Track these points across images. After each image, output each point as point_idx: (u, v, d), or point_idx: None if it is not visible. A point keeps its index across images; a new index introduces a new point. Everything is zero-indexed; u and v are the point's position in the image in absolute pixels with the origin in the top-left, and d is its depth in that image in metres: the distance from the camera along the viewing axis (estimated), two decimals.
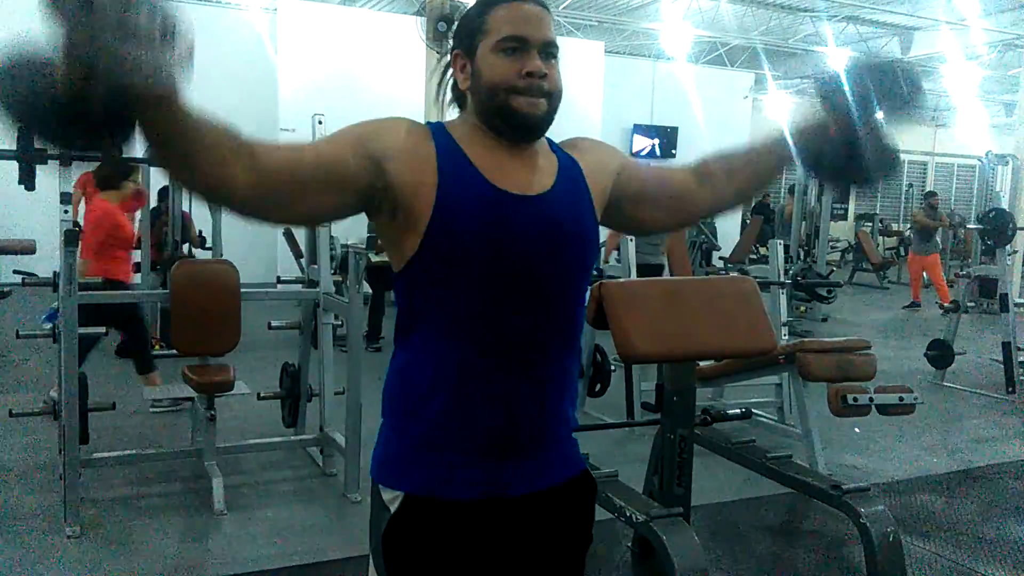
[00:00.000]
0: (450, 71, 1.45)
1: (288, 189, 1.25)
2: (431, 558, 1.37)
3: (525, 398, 1.38)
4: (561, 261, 1.39)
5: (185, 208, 6.63)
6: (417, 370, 1.39)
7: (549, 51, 1.36)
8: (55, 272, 3.52)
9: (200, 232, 6.88)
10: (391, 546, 1.38)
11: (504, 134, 1.38)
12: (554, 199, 1.39)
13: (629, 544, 3.33)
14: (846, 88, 1.49)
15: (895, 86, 1.49)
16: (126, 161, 4.97)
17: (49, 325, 3.98)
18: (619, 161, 1.55)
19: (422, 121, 1.42)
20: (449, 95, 1.47)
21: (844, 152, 1.50)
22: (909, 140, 18.91)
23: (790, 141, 1.54)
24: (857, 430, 5.09)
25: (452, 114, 1.48)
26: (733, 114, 14.91)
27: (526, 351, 1.37)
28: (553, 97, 1.37)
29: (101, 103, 0.98)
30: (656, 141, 14.35)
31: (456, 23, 1.44)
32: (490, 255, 1.32)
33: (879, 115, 1.49)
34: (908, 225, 14.51)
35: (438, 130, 1.39)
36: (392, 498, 1.38)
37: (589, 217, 1.45)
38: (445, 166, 1.33)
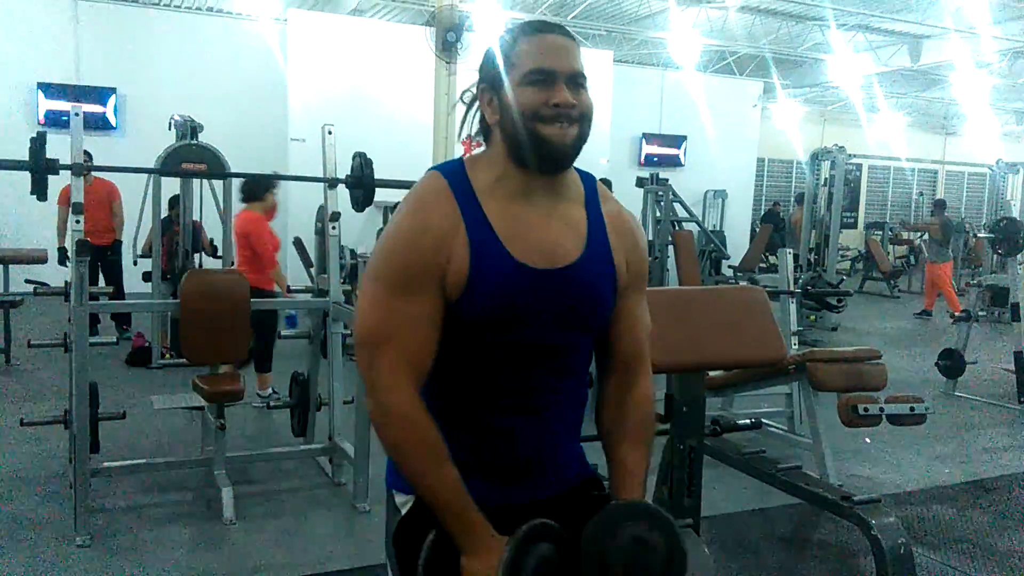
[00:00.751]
0: (476, 105, 1.46)
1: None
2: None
3: (529, 438, 1.44)
4: (576, 331, 1.44)
5: (196, 217, 6.65)
6: (427, 399, 1.43)
7: (577, 81, 1.37)
8: (66, 282, 3.54)
9: (211, 240, 6.91)
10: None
11: (532, 165, 1.38)
12: (578, 271, 1.41)
13: None
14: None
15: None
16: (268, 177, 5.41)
17: (293, 330, 4.62)
18: (633, 274, 1.51)
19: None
20: (475, 127, 1.47)
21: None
22: (920, 148, 18.90)
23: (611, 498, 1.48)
24: (868, 440, 5.06)
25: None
26: (742, 122, 14.92)
27: (533, 399, 1.43)
28: (584, 121, 1.38)
29: None
30: (665, 150, 14.37)
31: (482, 58, 1.45)
32: (507, 327, 1.38)
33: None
34: (919, 234, 14.45)
35: (461, 188, 1.39)
36: (404, 501, 1.45)
37: (608, 288, 1.46)
38: (475, 244, 1.36)
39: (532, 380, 1.42)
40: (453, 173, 1.41)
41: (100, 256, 7.18)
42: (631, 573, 1.33)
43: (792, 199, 14.98)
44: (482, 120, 1.44)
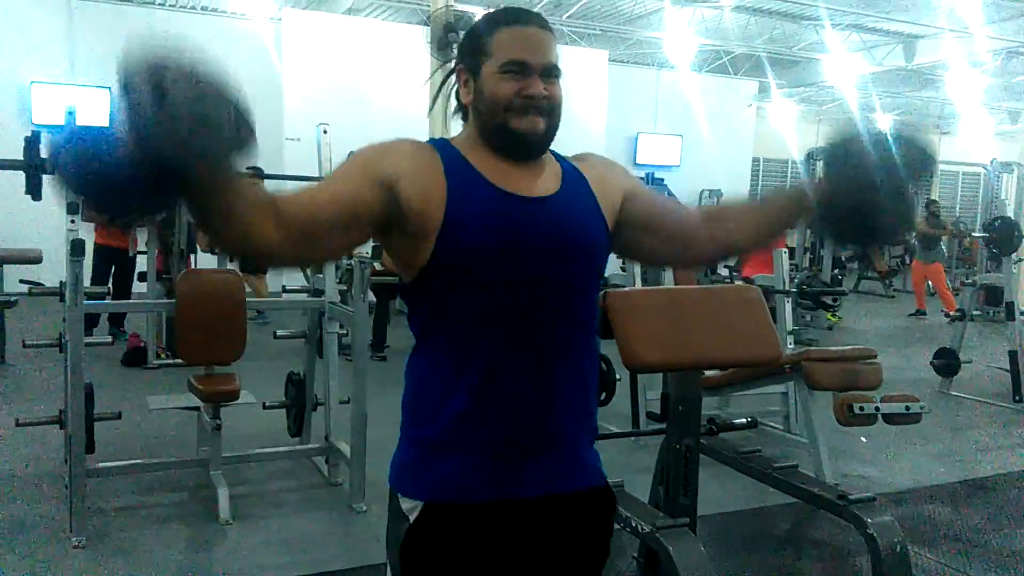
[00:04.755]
0: (452, 80, 1.48)
1: (313, 236, 1.31)
2: (450, 567, 1.38)
3: (538, 400, 1.40)
4: (569, 262, 1.41)
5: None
6: (432, 376, 1.42)
7: (551, 73, 1.40)
8: (61, 282, 3.53)
9: None
10: (410, 555, 1.40)
11: (504, 152, 1.41)
12: (560, 202, 1.42)
13: (635, 555, 3.32)
14: (853, 155, 1.47)
15: (908, 156, 1.47)
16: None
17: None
18: (629, 183, 1.55)
19: (426, 135, 1.45)
20: (452, 105, 1.48)
21: (851, 217, 1.49)
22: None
23: (805, 200, 1.53)
24: (864, 439, 5.07)
25: (456, 126, 1.50)
26: (737, 122, 14.95)
27: (539, 353, 1.39)
28: (553, 114, 1.40)
29: (157, 181, 1.08)
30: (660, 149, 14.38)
31: (461, 39, 1.47)
32: (500, 257, 1.35)
33: (889, 180, 1.46)
34: (912, 234, 14.46)
35: (442, 144, 1.43)
36: (411, 507, 1.40)
37: (597, 221, 1.46)
38: (452, 174, 1.37)
39: (535, 333, 1.38)
40: (435, 140, 1.46)
41: (118, 259, 7.18)
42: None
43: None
44: (458, 98, 1.46)
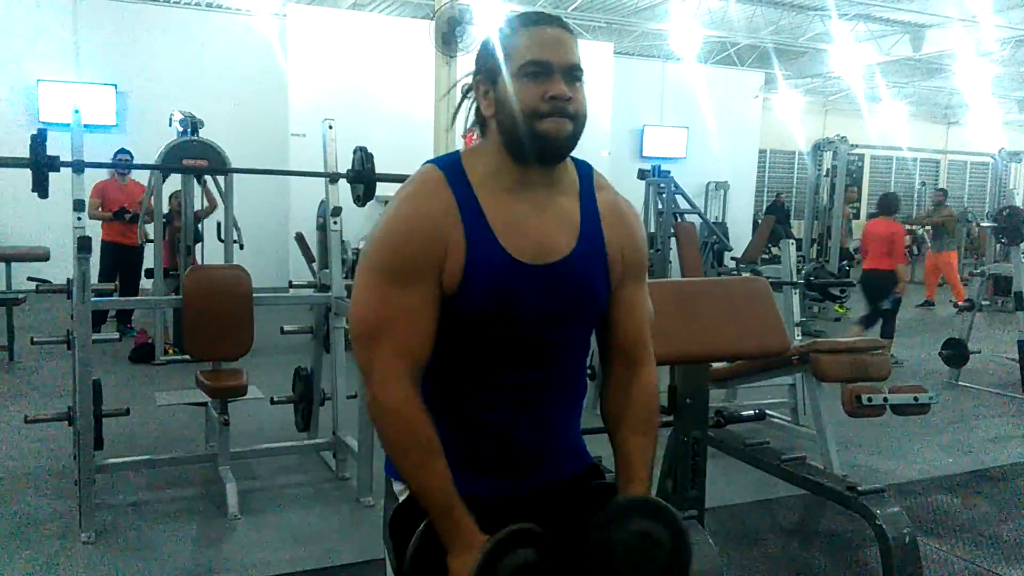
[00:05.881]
0: (470, 95, 1.44)
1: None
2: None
3: (524, 431, 1.44)
4: (568, 323, 1.44)
5: (197, 208, 6.63)
6: (423, 394, 1.43)
7: (573, 74, 1.35)
8: (68, 279, 3.54)
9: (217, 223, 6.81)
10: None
11: (528, 159, 1.37)
12: (570, 266, 1.40)
13: None
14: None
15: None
16: None
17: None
18: (631, 262, 1.50)
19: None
20: (471, 119, 1.45)
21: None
22: (922, 137, 18.85)
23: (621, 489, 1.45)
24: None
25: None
26: (743, 114, 14.89)
27: (528, 393, 1.43)
28: (577, 120, 1.36)
29: None
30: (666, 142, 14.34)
31: (480, 47, 1.44)
32: (502, 321, 1.37)
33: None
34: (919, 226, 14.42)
35: (457, 180, 1.38)
36: (401, 489, 1.46)
37: (602, 282, 1.45)
38: (470, 237, 1.35)
39: (528, 374, 1.42)
40: (449, 165, 1.40)
41: (125, 255, 7.19)
42: (636, 568, 1.32)
43: (795, 191, 14.85)
44: (477, 112, 1.43)
